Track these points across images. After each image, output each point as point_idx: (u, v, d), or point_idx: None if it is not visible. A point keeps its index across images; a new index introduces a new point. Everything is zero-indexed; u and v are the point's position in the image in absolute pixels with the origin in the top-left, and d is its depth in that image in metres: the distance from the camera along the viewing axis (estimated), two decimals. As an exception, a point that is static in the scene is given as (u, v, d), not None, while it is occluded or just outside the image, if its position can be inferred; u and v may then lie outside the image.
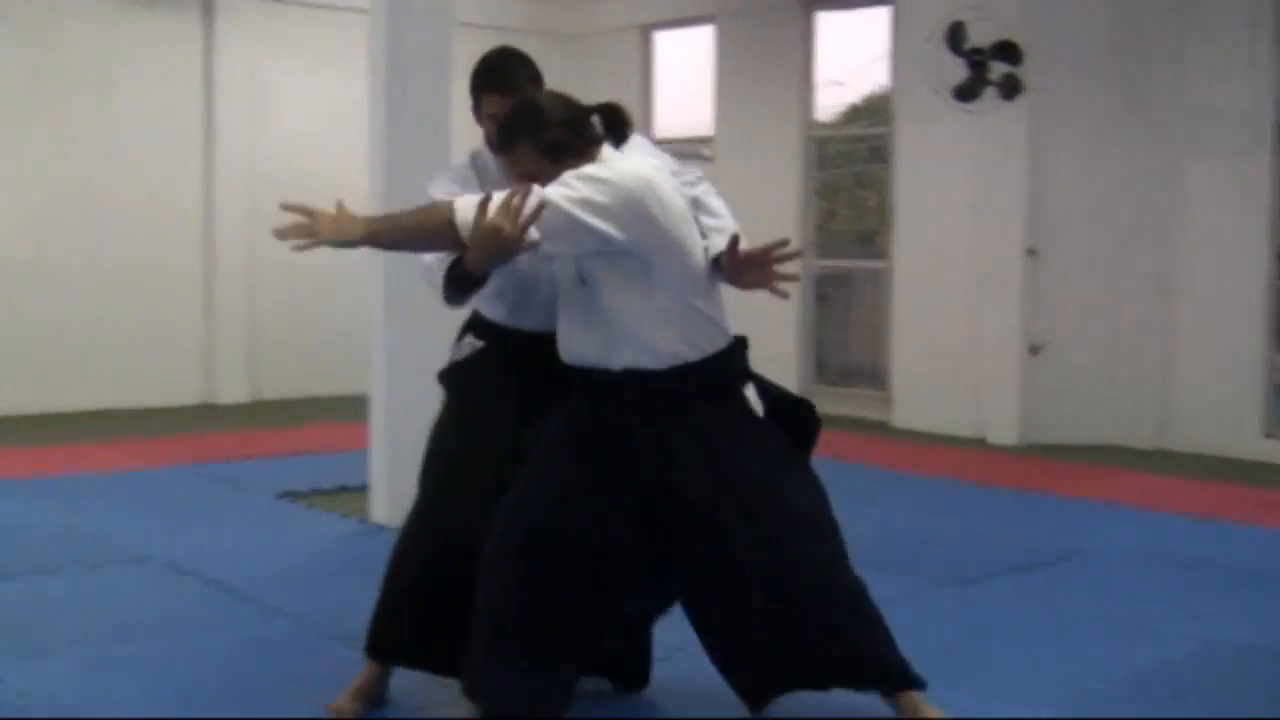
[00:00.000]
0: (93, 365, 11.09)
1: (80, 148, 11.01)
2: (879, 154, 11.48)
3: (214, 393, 11.69)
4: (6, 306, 10.73)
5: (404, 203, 6.61)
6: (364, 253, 4.39)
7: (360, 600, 4.28)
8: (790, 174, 11.67)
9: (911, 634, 4.98)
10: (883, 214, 11.25)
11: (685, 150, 12.96)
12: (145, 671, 4.58)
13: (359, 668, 4.20)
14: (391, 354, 6.85)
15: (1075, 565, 6.32)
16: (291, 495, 7.67)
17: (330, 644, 4.86)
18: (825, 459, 8.78)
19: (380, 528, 6.62)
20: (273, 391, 11.89)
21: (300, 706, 4.15)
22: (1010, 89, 9.75)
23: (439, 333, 5.24)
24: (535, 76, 4.27)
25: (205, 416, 11.03)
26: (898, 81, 11.05)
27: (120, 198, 11.20)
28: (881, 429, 10.77)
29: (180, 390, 11.57)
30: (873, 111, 12.25)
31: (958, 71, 9.85)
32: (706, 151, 12.69)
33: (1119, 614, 5.46)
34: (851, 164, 12.55)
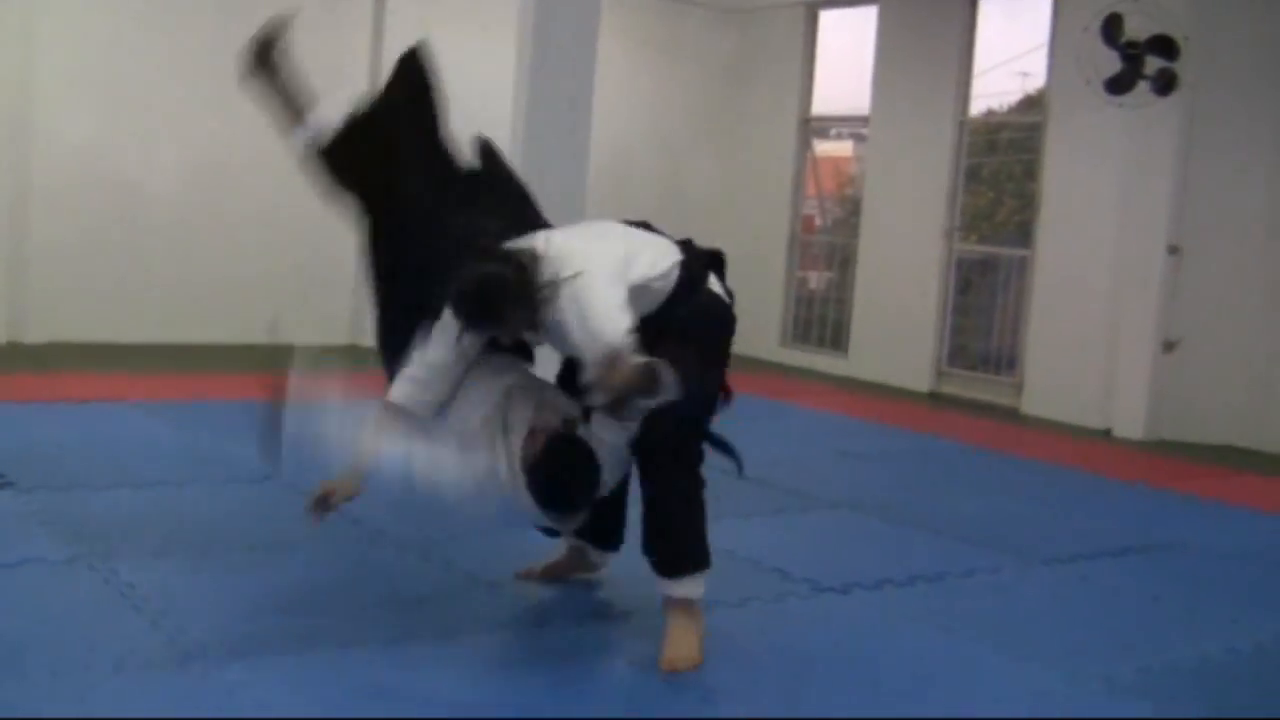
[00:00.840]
0: (254, 303, 11.58)
1: (247, 103, 11.42)
2: (1034, 147, 11.48)
3: (362, 332, 12.12)
4: (181, 248, 11.31)
5: (544, 171, 7.02)
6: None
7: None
8: (941, 158, 11.74)
9: (979, 605, 5.20)
10: (1033, 227, 11.26)
11: (843, 129, 13.12)
12: (249, 576, 4.96)
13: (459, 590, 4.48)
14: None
15: (1170, 555, 6.41)
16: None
17: (430, 567, 5.17)
18: (952, 442, 9.00)
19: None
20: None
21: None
22: (1164, 84, 9.73)
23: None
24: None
25: (353, 355, 11.47)
26: (1053, 72, 11.07)
27: (282, 151, 11.57)
28: (1011, 415, 10.84)
29: (333, 330, 12.03)
30: (1030, 103, 12.24)
31: (1112, 64, 9.85)
32: (864, 131, 12.81)
33: (1199, 604, 5.58)
34: (1020, 153, 12.54)
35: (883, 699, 4.19)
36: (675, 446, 4.32)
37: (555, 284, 4.11)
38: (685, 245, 4.80)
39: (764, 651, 4.63)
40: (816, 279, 13.50)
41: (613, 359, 3.90)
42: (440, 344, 4.36)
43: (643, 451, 4.30)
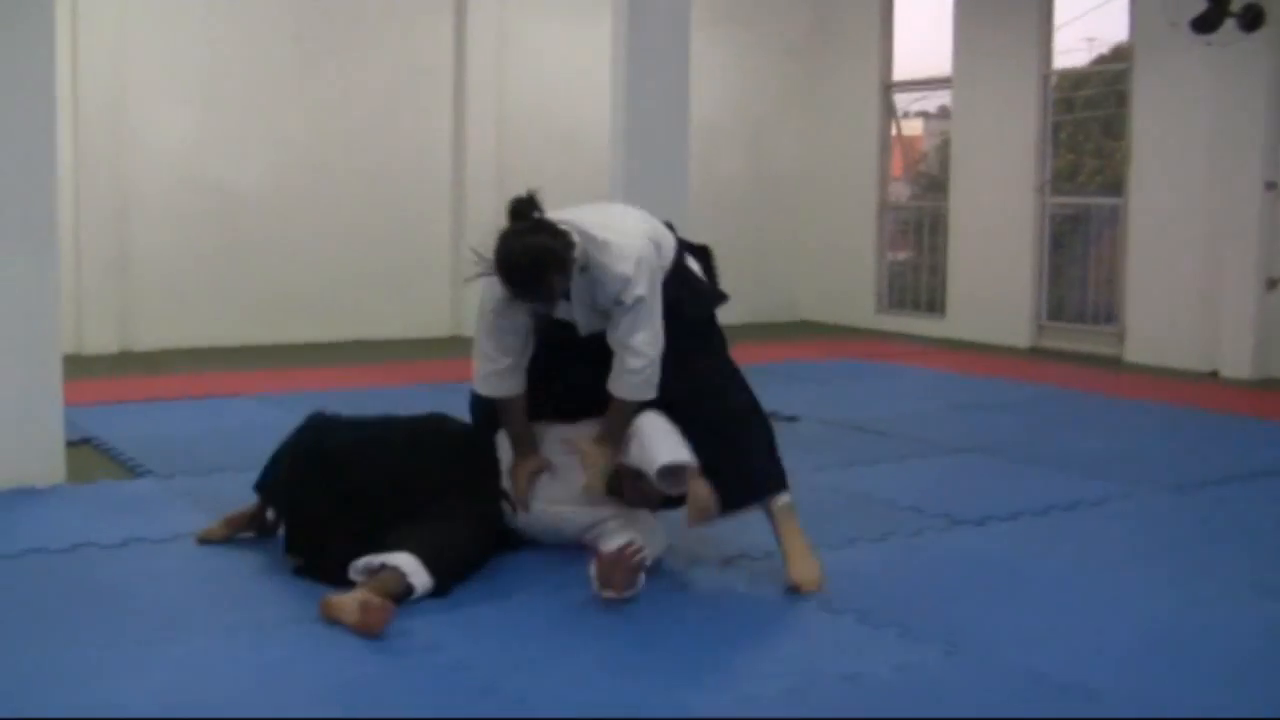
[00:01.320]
0: (354, 299, 11.76)
1: (336, 96, 11.65)
2: (1122, 98, 11.41)
3: (462, 325, 12.26)
4: (277, 247, 11.48)
5: (640, 150, 7.10)
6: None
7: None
8: (1028, 113, 11.70)
9: (1118, 528, 5.24)
10: (1125, 175, 11.19)
11: (926, 89, 13.11)
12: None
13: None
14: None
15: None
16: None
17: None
18: (1059, 389, 8.99)
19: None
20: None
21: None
22: (1251, 20, 9.66)
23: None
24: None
25: (451, 347, 11.61)
26: (1136, 17, 11.00)
27: (375, 149, 11.82)
28: (1114, 364, 10.79)
29: (433, 323, 12.19)
30: (1114, 55, 12.16)
31: (1197, 3, 9.79)
32: (944, 100, 12.81)
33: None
34: (1099, 108, 12.48)
35: (1040, 614, 4.24)
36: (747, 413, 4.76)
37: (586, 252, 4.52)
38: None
39: (911, 577, 4.70)
40: (908, 243, 13.50)
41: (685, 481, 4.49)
42: (486, 335, 4.74)
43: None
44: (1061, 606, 4.35)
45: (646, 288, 4.49)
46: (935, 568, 4.84)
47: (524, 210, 4.61)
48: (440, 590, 4.33)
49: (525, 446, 4.82)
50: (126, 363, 10.28)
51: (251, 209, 11.37)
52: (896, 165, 13.69)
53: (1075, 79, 12.60)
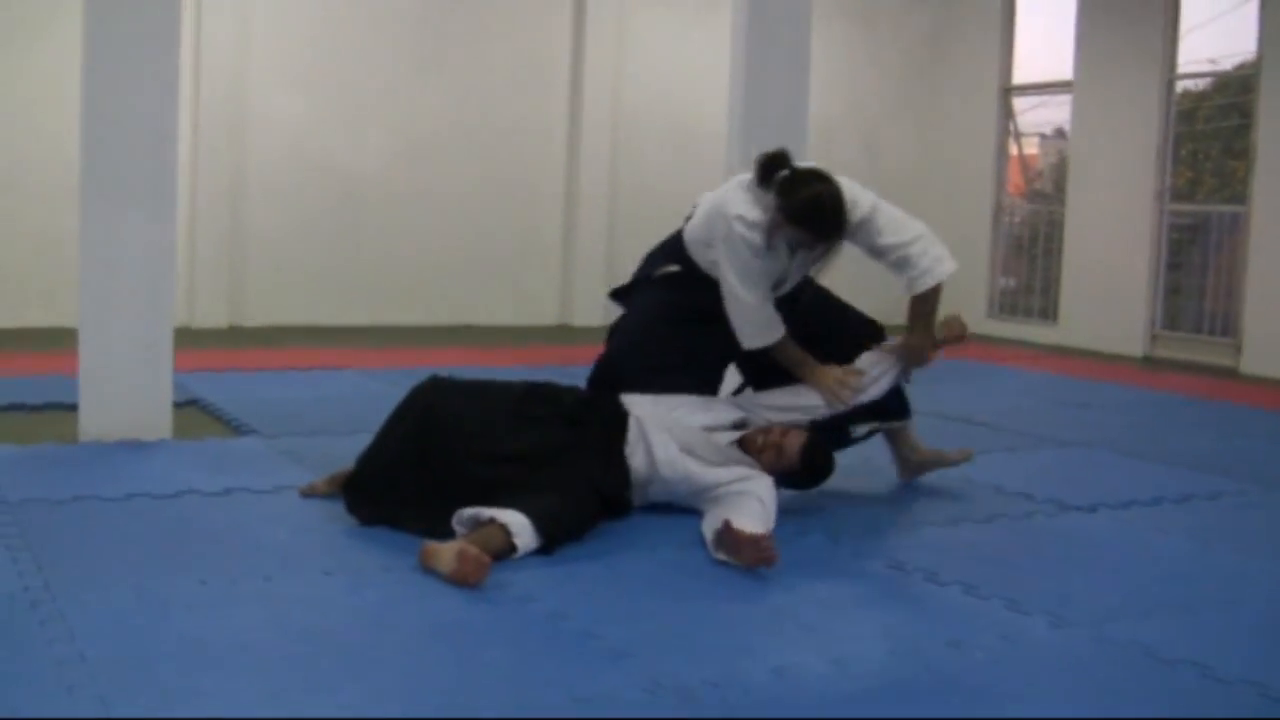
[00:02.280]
0: (464, 284, 11.81)
1: (453, 84, 11.71)
2: (1246, 112, 11.13)
3: (570, 314, 12.28)
4: (391, 231, 11.58)
5: (757, 146, 7.07)
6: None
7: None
8: (1149, 117, 11.48)
9: (1231, 520, 5.13)
10: (1248, 182, 10.92)
11: (1045, 93, 12.93)
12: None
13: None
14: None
15: None
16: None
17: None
18: (1170, 394, 8.79)
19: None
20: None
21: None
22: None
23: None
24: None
25: (562, 335, 11.63)
26: (1265, 21, 10.75)
27: (491, 138, 11.88)
28: (1230, 375, 10.54)
29: (541, 312, 12.21)
30: (1239, 66, 11.90)
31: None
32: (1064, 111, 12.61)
33: None
34: (1222, 120, 12.21)
35: (1152, 593, 4.13)
36: None
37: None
38: None
39: (1020, 555, 4.61)
40: (1021, 258, 13.30)
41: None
42: (756, 282, 4.97)
43: None
44: (1173, 587, 4.23)
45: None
46: (1044, 547, 4.74)
47: (781, 163, 4.89)
48: (547, 549, 4.30)
49: (813, 361, 5.14)
50: (236, 337, 10.41)
51: (366, 193, 11.47)
52: (1013, 182, 13.48)
53: (1197, 95, 12.30)
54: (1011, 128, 13.21)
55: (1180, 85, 11.71)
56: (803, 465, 4.90)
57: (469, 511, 4.33)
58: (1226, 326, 11.13)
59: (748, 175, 5.00)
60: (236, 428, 6.50)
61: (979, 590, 4.04)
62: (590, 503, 4.58)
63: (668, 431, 4.88)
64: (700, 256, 5.13)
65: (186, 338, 10.15)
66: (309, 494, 5.03)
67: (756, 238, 4.86)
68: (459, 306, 11.85)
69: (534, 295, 12.21)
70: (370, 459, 4.78)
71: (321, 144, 11.25)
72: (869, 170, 13.37)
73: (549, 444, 4.73)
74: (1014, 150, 13.34)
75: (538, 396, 4.97)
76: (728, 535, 4.23)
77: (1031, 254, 13.11)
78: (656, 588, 4.03)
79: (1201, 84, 12.07)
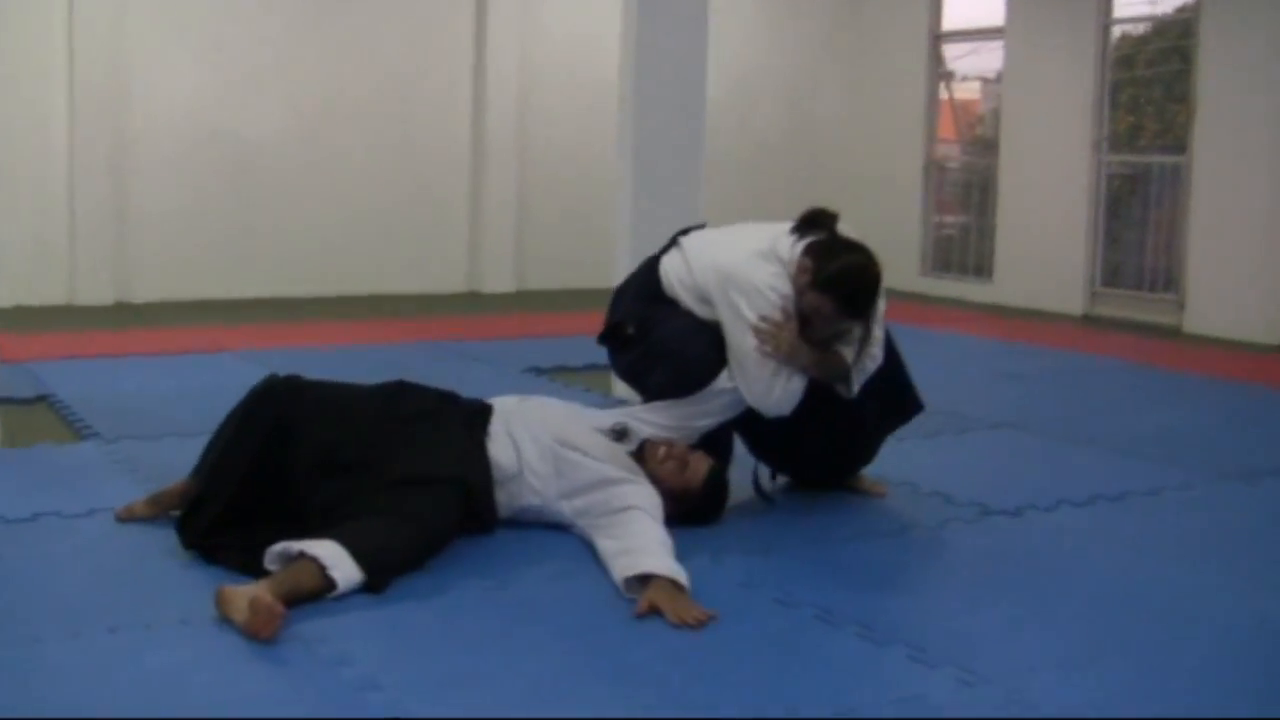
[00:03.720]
0: (367, 253, 11.16)
1: (350, 43, 11.01)
2: (1186, 56, 10.55)
3: (479, 281, 11.65)
4: (289, 199, 10.91)
5: (652, 109, 6.51)
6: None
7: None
8: (1084, 65, 10.89)
9: (1174, 523, 4.60)
10: (1189, 130, 10.34)
11: (976, 39, 12.34)
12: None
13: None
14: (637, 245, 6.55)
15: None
16: (536, 370, 7.51)
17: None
18: (1113, 360, 8.27)
19: (620, 401, 6.34)
20: (537, 282, 11.79)
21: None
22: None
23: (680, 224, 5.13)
24: None
25: (471, 303, 11.01)
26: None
27: (394, 92, 11.20)
28: (1173, 334, 10.02)
29: (448, 279, 11.58)
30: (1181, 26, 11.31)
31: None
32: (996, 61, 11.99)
33: None
34: (1159, 66, 11.62)
35: (1079, 639, 3.53)
36: None
37: None
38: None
39: (927, 581, 4.05)
40: (955, 205, 12.72)
41: None
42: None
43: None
44: (1105, 622, 3.63)
45: None
46: (958, 567, 4.18)
47: (825, 222, 4.51)
48: (373, 585, 3.69)
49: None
50: (121, 315, 9.74)
51: (260, 160, 10.82)
52: (947, 126, 12.87)
53: (1136, 39, 11.70)
54: (945, 76, 12.59)
55: (1118, 30, 11.13)
56: (704, 491, 4.34)
57: (279, 546, 3.71)
58: (1169, 282, 10.60)
59: (760, 237, 4.54)
60: (78, 430, 5.85)
61: (876, 632, 3.44)
62: (434, 520, 3.96)
63: (542, 423, 4.34)
64: (688, 304, 4.61)
65: (68, 317, 9.55)
66: (126, 518, 4.39)
67: (781, 289, 4.39)
68: (362, 276, 11.19)
69: (441, 262, 11.56)
70: (215, 479, 4.14)
71: (211, 111, 10.55)
72: (795, 123, 12.82)
73: (402, 441, 4.13)
74: (945, 97, 12.72)
75: (400, 395, 4.37)
76: (658, 593, 3.61)
77: (965, 210, 12.55)
78: (502, 637, 3.42)
79: (1141, 28, 11.50)
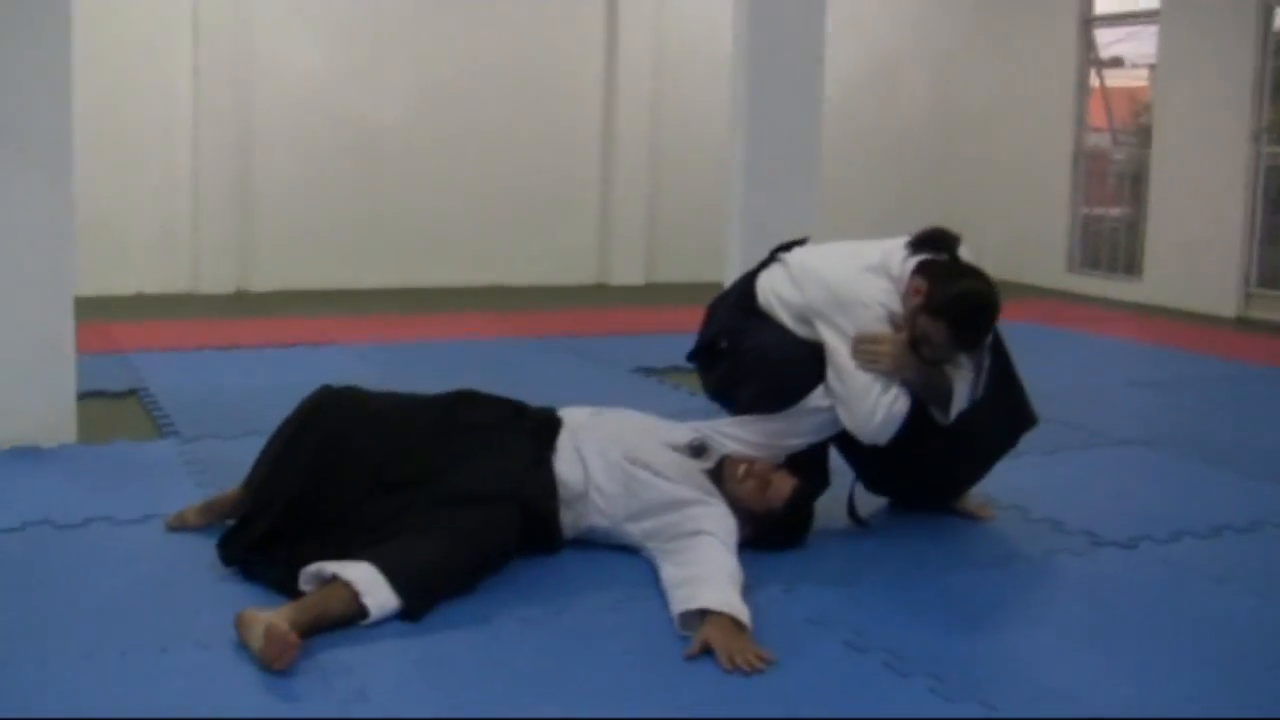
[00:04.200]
0: (493, 242, 10.96)
1: (476, 21, 10.80)
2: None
3: (608, 273, 11.39)
4: (413, 185, 10.76)
5: (766, 95, 6.19)
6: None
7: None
8: (1244, 51, 10.26)
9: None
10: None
11: (1129, 24, 11.75)
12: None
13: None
14: (747, 240, 6.23)
15: None
16: (646, 370, 7.22)
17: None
18: (1265, 369, 7.73)
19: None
20: (668, 274, 11.49)
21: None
22: None
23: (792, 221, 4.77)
24: None
25: (597, 296, 10.75)
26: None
27: (522, 74, 10.98)
28: (1335, 340, 9.41)
29: (576, 270, 11.34)
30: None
31: None
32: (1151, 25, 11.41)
33: None
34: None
35: (1198, 684, 3.14)
36: None
37: None
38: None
39: (1022, 625, 3.65)
40: (1106, 197, 12.14)
41: None
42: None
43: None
44: (1220, 673, 3.24)
45: None
46: (1062, 605, 3.79)
47: (944, 243, 4.18)
48: (411, 612, 3.43)
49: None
50: (240, 304, 9.66)
51: (386, 144, 10.67)
52: (1098, 114, 12.28)
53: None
54: (1094, 60, 12.01)
55: (1281, 13, 10.51)
56: (786, 513, 4.01)
57: (314, 566, 3.47)
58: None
59: (871, 252, 4.23)
60: (160, 426, 5.69)
61: (948, 685, 3.09)
62: (485, 541, 3.69)
63: (613, 439, 4.04)
64: (788, 324, 4.30)
65: (190, 305, 9.48)
66: (177, 526, 4.19)
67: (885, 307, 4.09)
68: (487, 264, 10.99)
69: (569, 251, 11.32)
70: (262, 495, 3.92)
71: (335, 91, 10.43)
72: (939, 106, 12.37)
73: (459, 456, 3.87)
74: (1096, 84, 12.13)
75: (461, 406, 4.12)
76: (713, 631, 3.28)
77: (1117, 201, 11.97)
78: (538, 674, 3.13)
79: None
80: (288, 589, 3.50)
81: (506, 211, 11.00)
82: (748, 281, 4.47)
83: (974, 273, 4.11)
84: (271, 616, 3.18)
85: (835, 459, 4.47)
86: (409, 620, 3.40)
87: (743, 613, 3.34)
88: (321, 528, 3.76)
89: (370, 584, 3.38)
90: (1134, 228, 11.49)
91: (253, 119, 10.16)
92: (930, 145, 12.41)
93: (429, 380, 6.65)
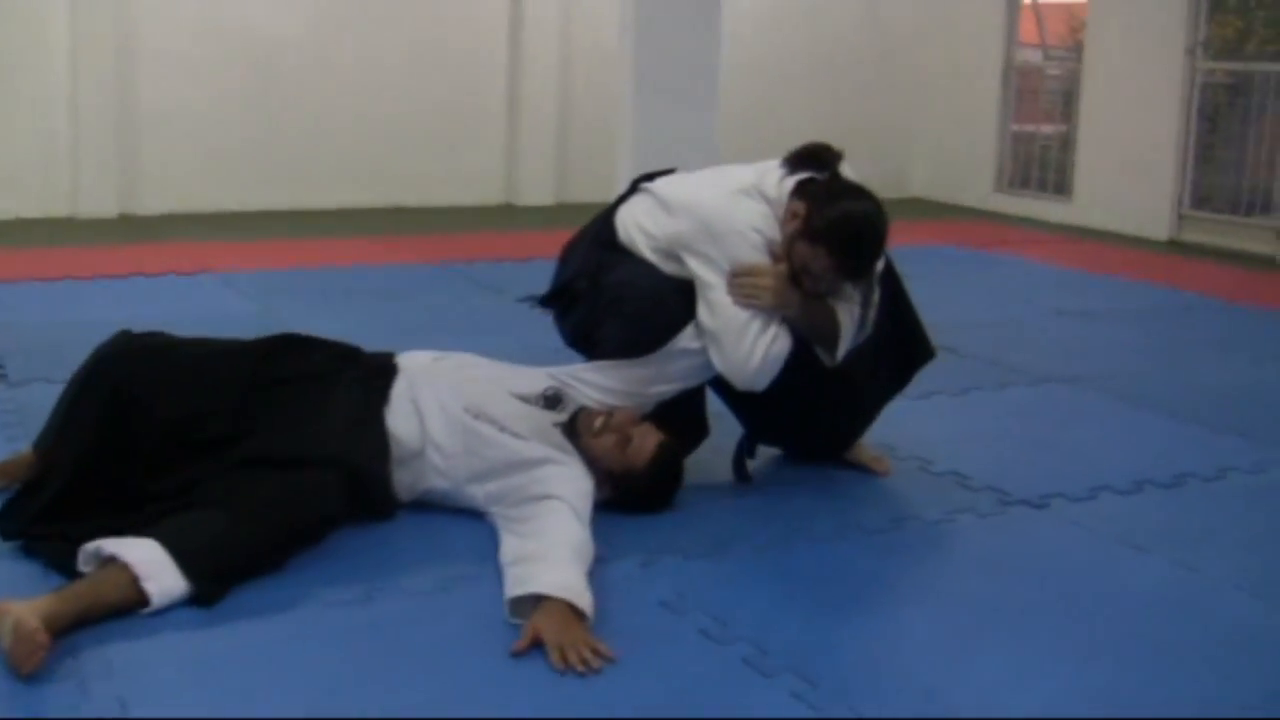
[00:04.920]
0: (397, 161, 10.39)
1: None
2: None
3: (516, 193, 10.86)
4: (310, 101, 10.11)
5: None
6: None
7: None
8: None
9: (1241, 523, 3.71)
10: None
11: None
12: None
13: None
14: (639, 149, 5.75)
15: None
16: (533, 299, 6.71)
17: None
18: (1199, 296, 7.33)
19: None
20: (580, 194, 10.96)
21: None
22: None
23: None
24: None
25: (504, 217, 10.23)
26: None
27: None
28: (1270, 264, 9.00)
29: (483, 190, 10.80)
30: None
31: None
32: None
33: None
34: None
35: (1105, 674, 2.70)
36: None
37: None
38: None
39: (912, 601, 3.19)
40: (1038, 115, 11.68)
41: None
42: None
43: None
44: (1129, 660, 2.81)
45: None
46: (951, 587, 3.31)
47: (825, 160, 3.68)
48: (202, 597, 2.94)
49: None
50: (123, 228, 9.05)
51: (283, 59, 10.00)
52: (1029, 29, 11.79)
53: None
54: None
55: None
56: (649, 474, 3.53)
57: (92, 545, 2.98)
58: (1267, 205, 9.56)
59: (743, 174, 3.74)
60: (-1, 369, 5.16)
61: (819, 687, 2.63)
62: (295, 512, 3.19)
63: (453, 389, 3.54)
64: (654, 261, 3.78)
65: (68, 230, 8.88)
66: None
67: (763, 235, 3.62)
68: (389, 185, 10.40)
69: (475, 171, 10.76)
70: (49, 457, 3.41)
71: (224, 4, 9.75)
72: (866, 27, 11.85)
73: (273, 412, 3.38)
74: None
75: (282, 353, 3.61)
76: (545, 621, 2.83)
77: (1049, 119, 11.51)
78: (336, 678, 2.66)
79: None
80: (68, 569, 3.02)
81: (409, 129, 10.40)
82: (607, 216, 3.98)
83: (858, 191, 3.62)
84: (23, 609, 2.68)
85: (716, 402, 3.99)
86: (201, 606, 2.92)
87: (582, 598, 2.87)
88: (112, 497, 3.27)
89: (153, 566, 2.90)
90: (1066, 146, 11.05)
91: (139, 34, 9.51)
92: (860, 61, 11.88)
93: (299, 311, 6.20)
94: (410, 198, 10.46)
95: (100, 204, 9.46)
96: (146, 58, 9.57)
